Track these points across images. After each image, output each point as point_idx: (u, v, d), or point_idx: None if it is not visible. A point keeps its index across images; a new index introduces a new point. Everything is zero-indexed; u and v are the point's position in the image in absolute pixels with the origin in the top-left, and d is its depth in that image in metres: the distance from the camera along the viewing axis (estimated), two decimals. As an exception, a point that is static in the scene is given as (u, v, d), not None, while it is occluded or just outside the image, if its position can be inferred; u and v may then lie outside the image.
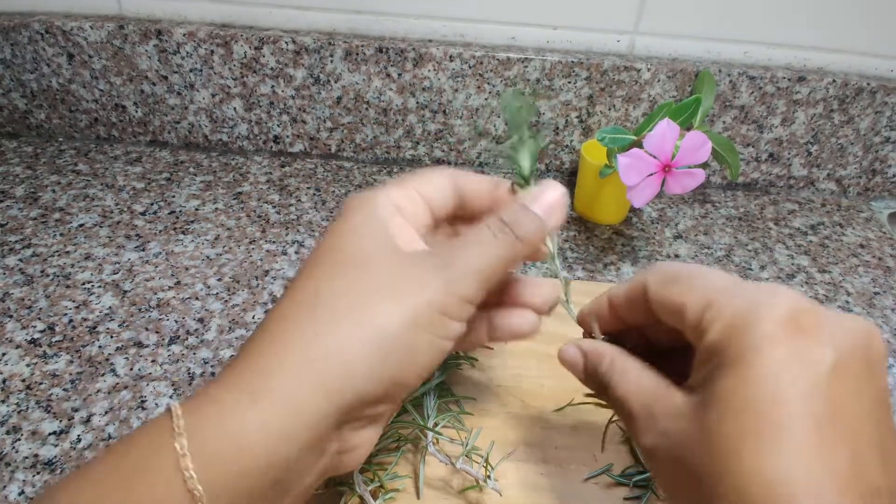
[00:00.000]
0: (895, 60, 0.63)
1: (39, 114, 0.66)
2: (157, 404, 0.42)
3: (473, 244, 0.28)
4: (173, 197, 0.60)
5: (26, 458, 0.38)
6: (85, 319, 0.47)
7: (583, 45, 0.63)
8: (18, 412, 0.41)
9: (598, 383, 0.29)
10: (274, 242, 0.56)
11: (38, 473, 0.37)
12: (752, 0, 0.59)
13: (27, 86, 0.64)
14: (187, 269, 0.52)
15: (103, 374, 0.43)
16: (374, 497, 0.35)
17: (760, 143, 0.65)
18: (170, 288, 0.50)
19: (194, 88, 0.63)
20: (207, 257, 0.54)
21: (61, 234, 0.55)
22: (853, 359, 0.22)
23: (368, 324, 0.25)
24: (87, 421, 0.40)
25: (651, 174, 0.48)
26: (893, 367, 0.49)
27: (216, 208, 0.59)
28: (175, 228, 0.56)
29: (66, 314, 0.48)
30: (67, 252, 0.53)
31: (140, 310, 0.48)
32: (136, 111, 0.65)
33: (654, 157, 0.48)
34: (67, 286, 0.50)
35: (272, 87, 0.63)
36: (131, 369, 0.44)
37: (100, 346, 0.45)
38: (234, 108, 0.65)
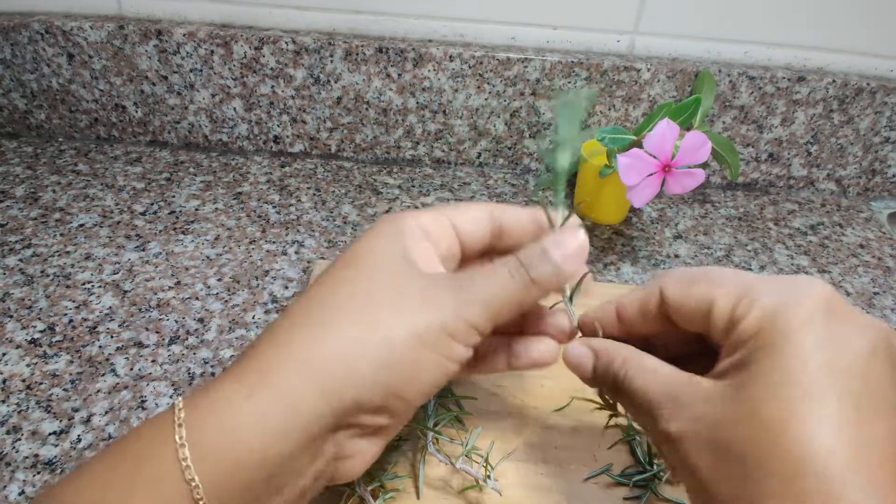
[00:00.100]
0: (895, 60, 0.63)
1: (39, 114, 0.66)
2: (157, 404, 0.42)
3: (489, 276, 0.28)
4: (173, 197, 0.60)
5: (26, 458, 0.38)
6: (85, 319, 0.47)
7: (583, 45, 0.63)
8: (18, 412, 0.41)
9: (610, 380, 0.29)
10: (274, 242, 0.56)
11: (38, 473, 0.37)
12: (752, 0, 0.59)
13: (27, 86, 0.64)
14: (187, 269, 0.52)
15: (103, 374, 0.43)
16: (374, 497, 0.35)
17: (760, 143, 0.65)
18: (170, 288, 0.50)
19: (194, 88, 0.63)
20: (207, 257, 0.54)
21: (61, 234, 0.55)
22: (880, 349, 0.23)
23: (374, 333, 0.26)
24: (88, 421, 0.40)
25: (651, 174, 0.48)
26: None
27: (216, 208, 0.59)
28: (175, 228, 0.56)
29: (66, 314, 0.48)
30: (67, 252, 0.53)
31: (140, 310, 0.48)
32: (136, 111, 0.65)
33: (654, 157, 0.48)
34: (67, 286, 0.50)
35: (272, 87, 0.63)
36: (131, 369, 0.44)
37: (100, 346, 0.45)
38: (234, 108, 0.65)
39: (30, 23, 0.60)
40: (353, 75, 0.62)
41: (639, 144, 0.49)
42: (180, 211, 0.59)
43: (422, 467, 0.37)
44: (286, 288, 0.51)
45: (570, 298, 0.32)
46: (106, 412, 0.41)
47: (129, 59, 0.62)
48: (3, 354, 0.44)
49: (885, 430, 0.22)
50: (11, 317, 0.47)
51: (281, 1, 0.61)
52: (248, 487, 0.24)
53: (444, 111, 0.64)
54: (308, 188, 0.63)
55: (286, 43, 0.60)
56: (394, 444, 0.38)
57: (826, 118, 0.64)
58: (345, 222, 0.59)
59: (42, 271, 0.51)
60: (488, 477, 0.35)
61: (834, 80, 0.61)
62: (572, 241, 0.29)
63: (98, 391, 0.42)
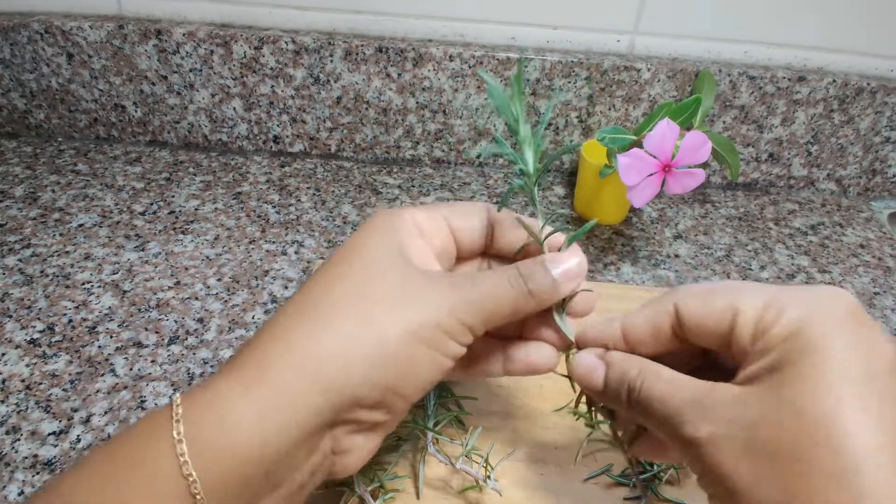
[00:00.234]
0: (895, 60, 0.63)
1: (39, 114, 0.66)
2: (156, 404, 0.42)
3: (488, 280, 0.28)
4: (173, 197, 0.60)
5: (26, 458, 0.38)
6: (84, 319, 0.47)
7: (583, 45, 0.63)
8: (18, 412, 0.41)
9: (625, 392, 0.28)
10: (274, 242, 0.56)
11: (37, 474, 0.37)
12: (752, 0, 0.59)
13: (27, 86, 0.63)
14: (187, 269, 0.52)
15: (103, 375, 0.43)
16: (374, 497, 0.35)
17: (760, 143, 0.65)
18: (169, 288, 0.50)
19: (194, 88, 0.63)
20: (207, 257, 0.54)
21: (61, 234, 0.55)
22: None
23: (369, 329, 0.26)
24: (87, 421, 0.40)
25: (651, 174, 0.48)
26: None
27: (216, 208, 0.59)
28: (175, 228, 0.56)
29: (65, 314, 0.47)
30: (67, 252, 0.53)
31: (140, 310, 0.48)
32: (136, 111, 0.65)
33: (654, 157, 0.48)
34: (67, 286, 0.50)
35: (272, 87, 0.63)
36: (131, 369, 0.44)
37: (99, 347, 0.45)
38: (234, 108, 0.65)
39: (29, 22, 0.60)
40: (353, 75, 0.62)
41: (639, 144, 0.49)
42: (180, 211, 0.59)
43: (422, 467, 0.37)
44: (286, 288, 0.51)
45: (563, 309, 0.31)
46: (105, 412, 0.41)
47: (128, 59, 0.62)
48: (3, 354, 0.44)
49: None
50: (11, 317, 0.47)
51: (281, 1, 0.61)
52: (245, 482, 0.24)
53: (444, 111, 0.64)
54: (308, 188, 0.63)
55: (286, 43, 0.60)
56: (394, 444, 0.38)
57: (826, 118, 0.63)
58: (344, 222, 0.59)
59: (41, 271, 0.51)
60: (488, 477, 0.35)
61: (834, 80, 0.61)
62: (572, 260, 0.30)
63: (97, 391, 0.42)
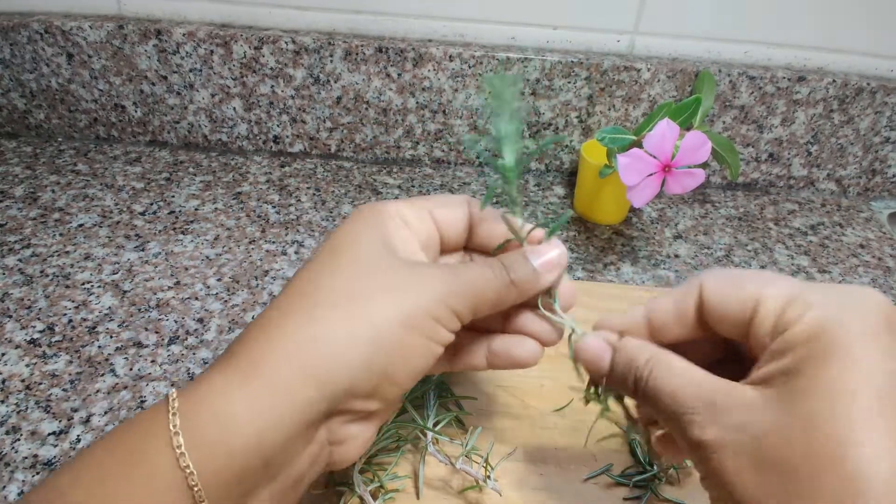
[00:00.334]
0: (895, 60, 0.63)
1: (39, 114, 0.66)
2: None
3: (473, 269, 0.29)
4: (173, 197, 0.60)
5: (26, 458, 0.38)
6: (84, 319, 0.47)
7: (583, 45, 0.63)
8: (18, 412, 0.41)
9: (631, 381, 0.28)
10: (273, 242, 0.56)
11: (37, 474, 0.37)
12: (752, 0, 0.59)
13: (26, 86, 0.63)
14: (187, 269, 0.52)
15: (103, 375, 0.43)
16: (374, 497, 0.35)
17: (760, 143, 0.65)
18: (169, 288, 0.50)
19: (194, 88, 0.63)
20: (207, 257, 0.54)
21: (61, 234, 0.55)
22: None
23: (361, 318, 0.26)
24: (87, 421, 0.40)
25: (651, 174, 0.48)
26: None
27: (216, 208, 0.59)
28: (175, 228, 0.56)
29: (65, 314, 0.47)
30: (67, 252, 0.53)
31: (140, 310, 0.48)
32: (136, 111, 0.65)
33: (654, 157, 0.48)
34: (67, 286, 0.50)
35: (272, 87, 0.63)
36: (131, 369, 0.44)
37: (99, 347, 0.45)
38: (234, 108, 0.65)
39: (29, 22, 0.60)
40: (353, 75, 0.62)
41: (639, 144, 0.49)
42: (180, 211, 0.59)
43: (422, 467, 0.37)
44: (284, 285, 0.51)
45: (553, 299, 0.31)
46: (105, 412, 0.41)
47: (128, 59, 0.62)
48: (3, 354, 0.44)
49: None
50: (11, 317, 0.47)
51: (281, 1, 0.61)
52: (242, 474, 0.24)
53: (444, 111, 0.64)
54: (308, 188, 0.63)
55: (286, 43, 0.60)
56: (394, 444, 0.38)
57: (826, 118, 0.63)
58: (344, 222, 0.59)
59: (41, 271, 0.51)
60: (488, 477, 0.35)
61: (834, 80, 0.61)
62: (551, 251, 0.30)
63: (97, 391, 0.42)
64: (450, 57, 0.60)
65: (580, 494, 0.37)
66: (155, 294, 0.50)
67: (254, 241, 0.56)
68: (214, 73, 0.62)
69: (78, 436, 0.39)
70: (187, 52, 0.61)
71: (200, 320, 0.48)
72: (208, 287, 0.51)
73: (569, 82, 0.62)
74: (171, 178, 0.63)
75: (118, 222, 0.57)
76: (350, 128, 0.66)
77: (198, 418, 0.24)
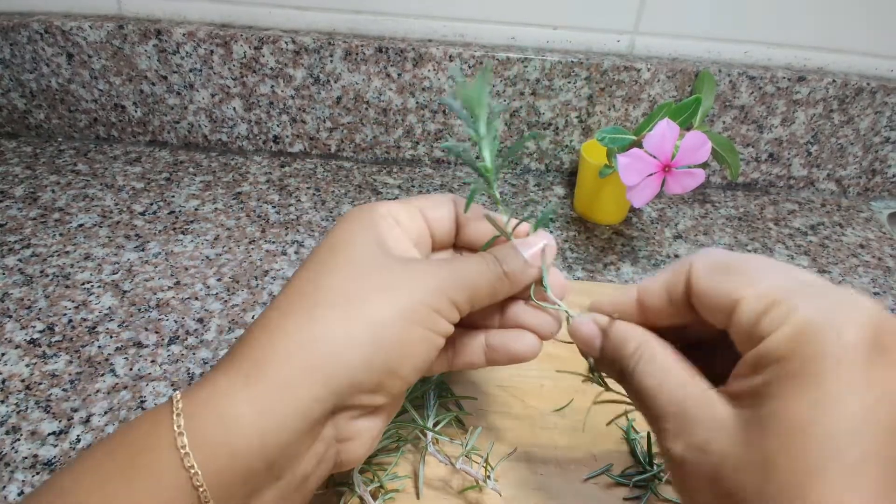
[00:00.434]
0: (895, 60, 0.63)
1: (39, 114, 0.66)
2: (156, 404, 0.41)
3: (467, 262, 0.30)
4: (173, 197, 0.60)
5: (25, 458, 0.38)
6: (84, 319, 0.47)
7: (583, 45, 0.63)
8: (18, 412, 0.41)
9: (618, 368, 0.27)
10: (273, 242, 0.56)
11: (37, 474, 0.37)
12: (752, 0, 0.59)
13: (26, 86, 0.63)
14: (187, 269, 0.52)
15: (103, 375, 0.43)
16: (374, 497, 0.35)
17: (760, 143, 0.65)
18: (169, 288, 0.50)
19: (194, 88, 0.63)
20: (207, 257, 0.54)
21: (61, 234, 0.55)
22: None
23: (362, 315, 0.26)
24: (87, 421, 0.40)
25: (651, 174, 0.48)
26: None
27: (216, 208, 0.59)
28: (174, 228, 0.56)
29: (65, 314, 0.47)
30: (67, 252, 0.53)
31: (140, 310, 0.48)
32: (136, 111, 0.65)
33: (654, 157, 0.48)
34: (67, 286, 0.50)
35: (272, 87, 0.63)
36: (131, 369, 0.44)
37: (99, 347, 0.45)
38: (234, 108, 0.65)
39: (29, 22, 0.60)
40: (353, 75, 0.62)
41: (639, 144, 0.49)
42: (180, 211, 0.59)
43: (422, 467, 0.37)
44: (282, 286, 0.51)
45: (546, 287, 0.32)
46: (105, 412, 0.41)
47: (128, 59, 0.62)
48: (3, 354, 0.44)
49: None
50: (10, 317, 0.47)
51: (281, 1, 0.61)
52: (247, 474, 0.24)
53: (444, 111, 0.64)
54: (308, 188, 0.63)
55: (286, 43, 0.60)
56: (394, 444, 0.38)
57: (826, 118, 0.63)
58: (344, 222, 0.59)
59: (41, 271, 0.51)
60: (488, 477, 0.35)
61: (834, 80, 0.61)
62: (540, 242, 0.31)
63: (97, 391, 0.42)
64: (450, 57, 0.60)
65: (580, 494, 0.37)
66: (155, 294, 0.50)
67: (254, 241, 0.56)
68: (214, 73, 0.62)
69: (78, 436, 0.39)
70: (187, 52, 0.61)
71: (200, 320, 0.48)
72: (208, 287, 0.51)
73: (569, 82, 0.62)
74: (171, 178, 0.63)
75: (118, 222, 0.57)
76: (350, 128, 0.66)
77: (202, 419, 0.24)
